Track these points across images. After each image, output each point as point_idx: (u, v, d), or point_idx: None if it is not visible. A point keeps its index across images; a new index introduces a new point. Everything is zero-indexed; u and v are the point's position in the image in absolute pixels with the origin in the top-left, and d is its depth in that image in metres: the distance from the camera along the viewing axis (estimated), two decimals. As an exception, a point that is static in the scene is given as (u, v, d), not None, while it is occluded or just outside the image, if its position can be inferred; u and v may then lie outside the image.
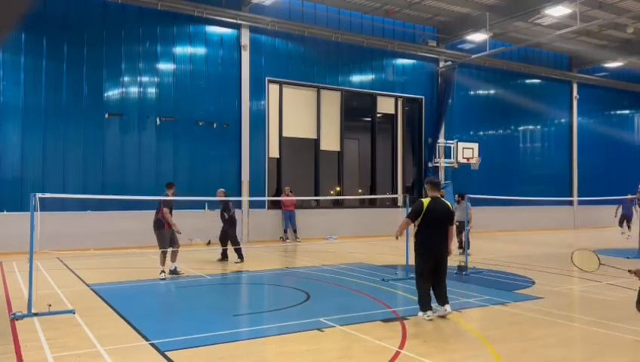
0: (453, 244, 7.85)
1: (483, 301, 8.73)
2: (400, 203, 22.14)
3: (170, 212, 11.17)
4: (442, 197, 17.05)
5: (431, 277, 7.53)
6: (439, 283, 7.58)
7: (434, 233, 7.48)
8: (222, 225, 13.64)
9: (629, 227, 20.87)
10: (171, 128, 18.02)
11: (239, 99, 19.15)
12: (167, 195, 11.37)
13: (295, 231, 19.31)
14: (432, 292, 7.58)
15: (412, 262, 12.97)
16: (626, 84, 29.85)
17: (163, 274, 10.96)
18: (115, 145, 17.18)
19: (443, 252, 7.59)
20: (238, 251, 13.50)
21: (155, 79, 17.98)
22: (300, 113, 20.77)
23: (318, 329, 6.85)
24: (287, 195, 18.85)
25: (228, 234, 13.54)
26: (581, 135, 28.44)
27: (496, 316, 7.80)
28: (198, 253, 12.36)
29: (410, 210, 7.66)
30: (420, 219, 7.46)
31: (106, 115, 17.07)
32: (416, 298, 7.60)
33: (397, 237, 7.74)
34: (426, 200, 7.53)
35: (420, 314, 7.44)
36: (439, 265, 7.57)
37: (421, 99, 23.55)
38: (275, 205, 19.75)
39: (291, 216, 19.24)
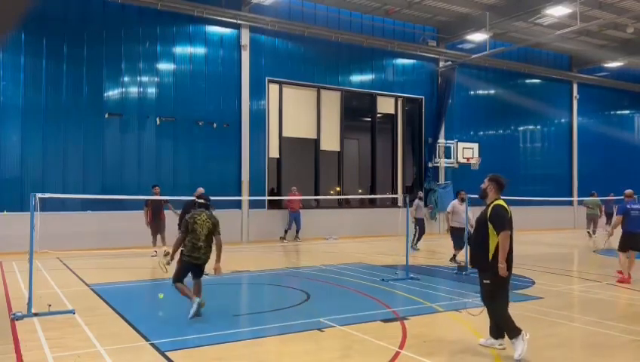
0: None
1: (483, 301, 8.71)
2: (400, 203, 22.13)
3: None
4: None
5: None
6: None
7: (511, 243, 5.83)
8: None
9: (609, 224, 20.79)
10: (171, 128, 18.01)
11: (239, 99, 19.14)
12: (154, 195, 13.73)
13: (298, 231, 19.24)
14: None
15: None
16: (626, 84, 29.83)
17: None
18: (114, 145, 17.17)
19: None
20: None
21: (155, 79, 17.98)
22: (300, 113, 20.77)
23: (318, 329, 6.85)
24: (294, 195, 18.73)
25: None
26: (581, 135, 28.44)
27: (497, 316, 7.78)
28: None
29: (498, 219, 5.76)
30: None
31: (106, 115, 17.06)
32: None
33: (504, 273, 5.73)
34: (503, 203, 5.85)
35: (517, 340, 5.73)
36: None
37: (421, 99, 23.55)
38: (276, 205, 19.72)
39: (297, 217, 19.11)
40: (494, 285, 5.78)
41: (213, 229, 7.63)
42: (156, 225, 14.03)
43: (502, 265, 5.65)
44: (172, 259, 7.72)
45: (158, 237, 14.05)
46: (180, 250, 7.65)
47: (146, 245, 14.36)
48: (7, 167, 15.84)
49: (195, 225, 7.56)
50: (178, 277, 7.65)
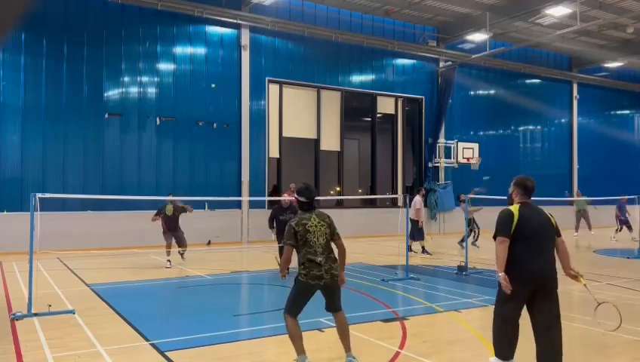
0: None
1: (483, 301, 8.72)
2: (400, 203, 22.12)
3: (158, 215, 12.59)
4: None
5: (516, 322, 5.27)
6: (547, 338, 5.31)
7: (533, 251, 5.13)
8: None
9: (625, 229, 20.67)
10: (171, 128, 18.01)
11: (239, 99, 19.14)
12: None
13: None
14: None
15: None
16: (626, 84, 29.84)
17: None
18: (115, 145, 17.17)
19: (550, 280, 5.31)
20: None
21: (155, 79, 17.98)
22: (300, 113, 20.77)
23: (318, 329, 6.84)
24: (294, 192, 18.68)
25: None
26: (581, 135, 28.44)
27: (497, 316, 7.77)
28: (197, 253, 12.37)
29: (497, 224, 5.18)
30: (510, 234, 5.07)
31: (106, 115, 17.06)
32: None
33: (504, 280, 5.13)
34: (514, 207, 5.15)
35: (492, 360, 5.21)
36: (544, 301, 5.31)
37: (421, 99, 23.55)
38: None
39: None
40: (500, 290, 5.28)
41: (332, 233, 5.61)
42: (171, 236, 12.66)
43: (500, 274, 5.08)
44: (284, 277, 5.60)
45: (173, 241, 12.70)
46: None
47: (146, 245, 14.34)
48: (7, 167, 15.84)
49: (308, 234, 5.43)
50: (291, 308, 5.52)
